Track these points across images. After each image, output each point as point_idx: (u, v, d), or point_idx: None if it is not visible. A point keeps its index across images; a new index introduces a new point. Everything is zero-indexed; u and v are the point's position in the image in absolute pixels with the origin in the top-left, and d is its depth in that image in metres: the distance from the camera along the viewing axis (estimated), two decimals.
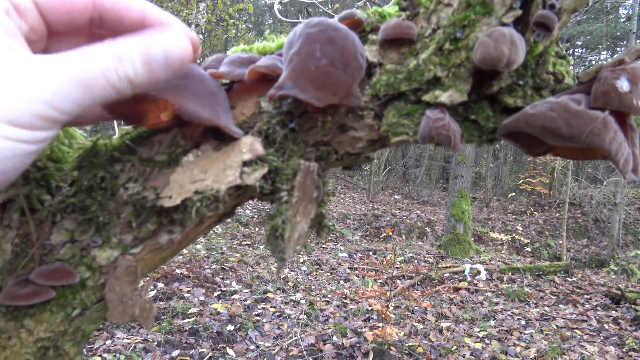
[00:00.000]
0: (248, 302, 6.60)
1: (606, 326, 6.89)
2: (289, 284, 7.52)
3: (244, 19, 15.82)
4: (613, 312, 7.39)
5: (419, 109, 0.53)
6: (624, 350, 6.10)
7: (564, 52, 0.55)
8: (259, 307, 6.53)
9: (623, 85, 0.47)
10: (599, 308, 7.60)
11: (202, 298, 6.44)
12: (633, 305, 7.46)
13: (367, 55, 0.55)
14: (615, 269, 10.01)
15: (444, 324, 6.49)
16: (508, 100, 0.51)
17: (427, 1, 0.53)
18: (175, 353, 4.94)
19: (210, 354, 5.03)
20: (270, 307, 6.58)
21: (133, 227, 0.61)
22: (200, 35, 11.70)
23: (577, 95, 0.50)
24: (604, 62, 0.49)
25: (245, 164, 0.55)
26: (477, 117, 0.53)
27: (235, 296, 6.75)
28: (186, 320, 5.66)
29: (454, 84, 0.50)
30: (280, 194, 0.56)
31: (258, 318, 6.18)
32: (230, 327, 5.64)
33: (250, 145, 0.55)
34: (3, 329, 0.62)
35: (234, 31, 16.49)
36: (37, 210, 0.62)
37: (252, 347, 5.39)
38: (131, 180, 0.61)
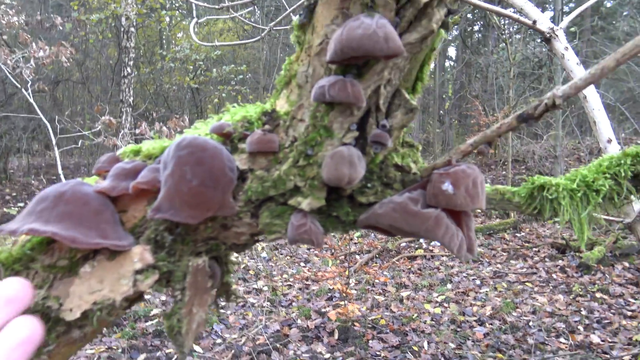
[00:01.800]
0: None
1: (554, 276, 7.32)
2: (250, 272, 7.61)
3: (177, 5, 15.39)
4: (560, 261, 7.84)
5: (288, 210, 0.60)
6: (572, 297, 6.52)
7: (413, 141, 0.63)
8: (222, 299, 6.59)
9: (448, 188, 0.55)
10: (546, 259, 8.04)
11: (163, 298, 6.44)
12: (577, 253, 7.93)
13: (238, 163, 0.62)
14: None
15: (404, 294, 6.74)
16: (361, 199, 0.59)
17: (284, 115, 0.59)
18: (142, 357, 4.96)
19: (177, 353, 5.07)
20: None
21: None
22: (132, 29, 11.35)
23: (416, 193, 0.58)
24: (437, 161, 0.57)
25: (137, 272, 0.61)
26: (338, 214, 0.60)
27: None
28: (149, 323, 5.67)
29: (312, 192, 0.57)
30: (175, 293, 0.63)
31: (222, 311, 6.25)
32: None
33: (140, 255, 0.61)
34: None
35: (168, 20, 16.03)
36: None
37: (219, 340, 5.47)
38: (37, 287, 0.65)
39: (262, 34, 1.96)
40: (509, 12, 1.20)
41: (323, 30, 0.54)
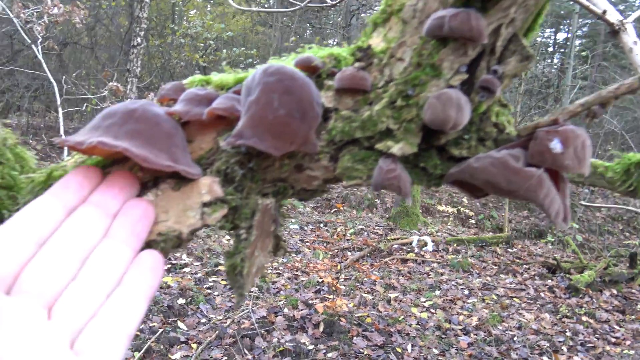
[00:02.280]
0: (199, 275, 6.60)
1: (542, 294, 7.33)
2: None
3: None
4: (549, 281, 7.86)
5: (372, 155, 0.56)
6: (558, 317, 6.53)
7: (506, 101, 0.59)
8: (210, 280, 6.54)
9: (556, 146, 0.51)
10: (536, 277, 8.06)
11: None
12: (567, 275, 7.95)
13: (324, 101, 0.57)
14: (552, 240, 10.59)
15: (392, 295, 6.72)
16: (454, 151, 0.55)
17: (380, 54, 0.55)
18: None
19: (162, 328, 5.03)
20: (222, 279, 6.60)
21: None
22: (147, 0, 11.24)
23: (515, 150, 0.54)
24: (540, 120, 0.53)
25: (205, 204, 0.56)
26: (426, 165, 0.56)
27: (186, 269, 6.72)
28: None
29: (405, 137, 0.53)
30: (239, 231, 0.59)
31: (209, 291, 6.20)
32: (181, 301, 5.64)
33: (209, 187, 0.56)
34: None
35: None
36: None
37: (204, 320, 5.42)
38: None
39: (302, 4, 1.92)
40: None
41: None
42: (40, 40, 6.16)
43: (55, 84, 5.72)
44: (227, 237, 8.08)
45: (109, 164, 0.63)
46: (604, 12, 1.13)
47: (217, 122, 0.61)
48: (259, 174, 0.60)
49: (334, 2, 2.04)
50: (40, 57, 5.97)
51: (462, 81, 0.52)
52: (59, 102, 5.89)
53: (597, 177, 0.60)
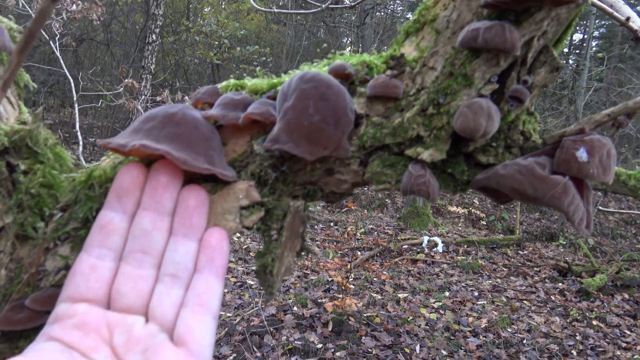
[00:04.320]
0: None
1: (553, 297, 7.29)
2: (251, 254, 7.60)
3: None
4: (560, 284, 7.82)
5: (402, 160, 0.58)
6: (568, 320, 6.50)
7: (532, 109, 0.60)
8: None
9: (582, 155, 0.53)
10: (547, 280, 8.02)
11: None
12: (578, 278, 7.91)
13: (355, 107, 0.59)
14: (564, 242, 10.52)
15: (402, 295, 6.72)
16: (482, 158, 0.56)
17: (412, 62, 0.57)
18: None
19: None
20: (232, 277, 6.65)
21: None
22: None
23: (541, 158, 0.56)
24: (567, 129, 0.55)
25: (243, 208, 0.59)
26: (453, 171, 0.58)
27: None
28: None
29: (435, 144, 0.55)
30: (271, 232, 0.61)
31: None
32: None
33: (246, 192, 0.59)
34: None
35: None
36: (31, 238, 0.65)
37: None
38: None
39: (324, 6, 1.94)
40: (604, 5, 1.18)
41: None
42: (58, 36, 6.23)
43: (72, 81, 5.78)
44: (238, 234, 8.12)
45: (148, 163, 0.66)
46: (628, 18, 1.13)
47: (252, 126, 0.63)
48: (291, 176, 0.62)
49: (353, 3, 2.06)
50: (57, 53, 6.04)
51: (493, 91, 0.54)
52: (75, 99, 5.95)
53: (619, 184, 0.61)
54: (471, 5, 0.53)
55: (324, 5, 1.92)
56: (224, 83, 0.68)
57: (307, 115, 0.55)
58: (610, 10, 1.12)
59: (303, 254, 0.78)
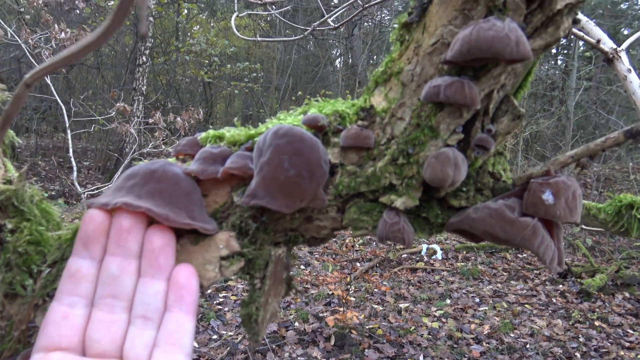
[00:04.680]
0: (209, 290, 6.63)
1: (554, 300, 7.29)
2: None
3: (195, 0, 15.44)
4: (560, 286, 7.82)
5: (377, 207, 0.60)
6: (571, 322, 6.50)
7: (502, 149, 0.63)
8: (221, 295, 6.58)
9: (549, 198, 0.55)
10: (547, 283, 8.01)
11: None
12: (578, 279, 7.91)
13: (330, 157, 0.61)
14: (562, 244, 10.51)
15: (403, 305, 6.72)
16: (454, 202, 0.58)
17: (382, 112, 0.59)
18: None
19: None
20: (232, 295, 6.64)
21: None
22: (151, 18, 11.38)
23: (511, 200, 0.58)
24: (534, 170, 0.57)
25: (223, 258, 0.60)
26: (428, 215, 0.60)
27: None
28: None
29: (407, 191, 0.57)
30: (254, 281, 0.63)
31: (220, 307, 6.23)
32: None
33: (226, 242, 0.60)
34: None
35: (186, 12, 16.08)
36: (20, 295, 0.66)
37: (215, 336, 5.45)
38: None
39: (305, 33, 1.97)
40: (574, 29, 1.20)
41: (439, 31, 0.54)
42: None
43: (63, 107, 5.80)
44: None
45: None
46: (598, 41, 1.16)
47: (231, 178, 0.65)
48: (271, 225, 0.64)
49: (337, 25, 2.09)
50: (48, 80, 6.07)
51: (459, 140, 0.56)
52: (67, 125, 5.97)
53: (590, 218, 0.63)
54: (433, 61, 0.55)
55: (308, 30, 1.95)
56: (204, 134, 0.70)
57: (282, 170, 0.57)
58: (580, 34, 1.15)
59: (290, 294, 0.79)
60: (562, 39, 0.51)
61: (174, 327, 0.57)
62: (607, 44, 1.18)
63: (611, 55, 1.17)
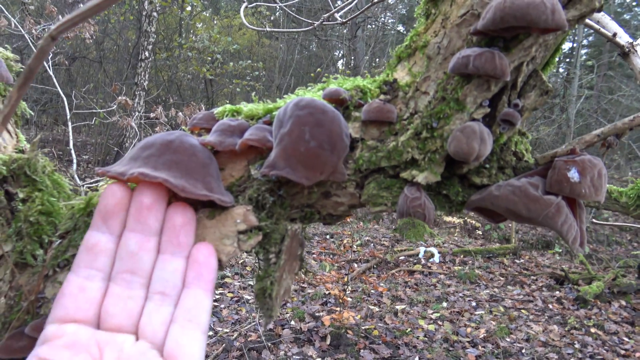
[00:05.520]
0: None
1: (550, 306, 7.29)
2: (247, 268, 7.57)
3: None
4: (557, 292, 7.81)
5: (397, 183, 0.59)
6: (567, 329, 6.49)
7: (525, 129, 0.62)
8: (217, 292, 6.55)
9: (574, 176, 0.54)
10: (544, 288, 8.01)
11: None
12: (575, 286, 7.91)
13: (351, 131, 0.60)
14: (560, 250, 10.54)
15: (399, 307, 6.70)
16: (476, 179, 0.57)
17: (405, 87, 0.58)
18: None
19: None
20: (228, 292, 6.62)
21: None
22: (155, 14, 11.37)
23: (534, 178, 0.57)
24: (558, 150, 0.56)
25: (240, 232, 0.59)
26: (448, 192, 0.59)
27: None
28: None
29: (430, 166, 0.56)
30: (269, 255, 0.61)
31: (216, 304, 6.21)
32: None
33: (244, 216, 0.59)
34: None
35: (190, 9, 16.08)
36: (30, 265, 0.65)
37: (211, 333, 5.43)
38: None
39: (315, 24, 1.97)
40: (591, 22, 1.20)
41: (469, 1, 0.53)
42: (50, 55, 6.24)
43: (65, 99, 5.78)
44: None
45: None
46: (614, 34, 1.16)
47: (249, 151, 0.64)
48: (288, 200, 0.63)
49: (345, 20, 2.08)
50: (50, 72, 6.05)
51: (484, 114, 0.55)
52: (68, 117, 5.94)
53: (611, 202, 0.62)
54: (461, 33, 0.54)
55: (316, 23, 1.94)
56: (220, 108, 0.69)
57: (303, 141, 0.56)
58: (597, 26, 1.15)
59: (302, 271, 0.78)
60: (596, 10, 0.50)
61: (191, 304, 0.56)
62: (623, 38, 1.18)
63: (627, 49, 1.16)
